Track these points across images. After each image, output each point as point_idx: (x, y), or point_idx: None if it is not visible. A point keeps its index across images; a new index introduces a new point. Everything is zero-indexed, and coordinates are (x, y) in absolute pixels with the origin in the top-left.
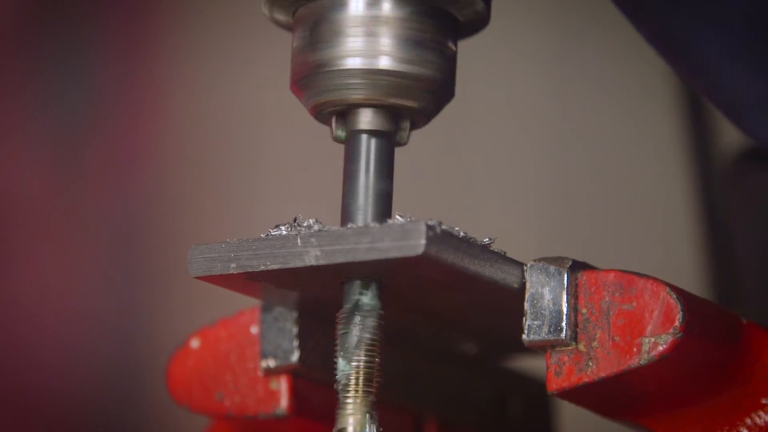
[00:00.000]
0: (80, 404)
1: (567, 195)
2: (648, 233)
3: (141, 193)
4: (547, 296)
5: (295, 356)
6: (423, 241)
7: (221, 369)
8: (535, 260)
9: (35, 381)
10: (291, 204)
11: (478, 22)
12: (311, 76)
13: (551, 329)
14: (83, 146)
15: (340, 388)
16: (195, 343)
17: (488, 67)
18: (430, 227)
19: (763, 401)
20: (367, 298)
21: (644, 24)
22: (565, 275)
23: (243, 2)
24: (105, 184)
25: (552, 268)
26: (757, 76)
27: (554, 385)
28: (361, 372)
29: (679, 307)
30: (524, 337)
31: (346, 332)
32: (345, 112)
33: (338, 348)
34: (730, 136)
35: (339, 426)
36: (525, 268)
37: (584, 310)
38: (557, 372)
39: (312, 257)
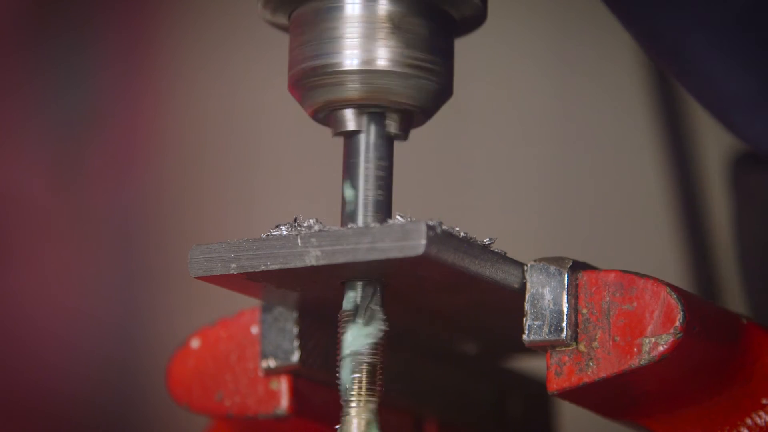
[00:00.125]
0: (80, 404)
1: (567, 195)
2: (648, 233)
3: (141, 193)
4: (547, 296)
5: (295, 356)
6: (423, 242)
7: (221, 369)
8: (535, 260)
9: (35, 381)
10: (291, 204)
11: (474, 20)
12: (308, 77)
13: (552, 329)
14: (83, 146)
15: (343, 391)
16: (195, 344)
17: (488, 67)
18: (430, 227)
19: (764, 401)
20: (368, 299)
21: (633, 23)
22: (566, 275)
23: (242, 3)
24: (105, 184)
25: (552, 268)
26: (745, 77)
27: (555, 385)
28: (364, 375)
29: (679, 307)
30: (525, 337)
31: (347, 333)
32: (343, 113)
33: (340, 351)
34: (729, 137)
35: (343, 430)
36: (525, 268)
37: (585, 311)
38: (558, 372)
39: (312, 257)
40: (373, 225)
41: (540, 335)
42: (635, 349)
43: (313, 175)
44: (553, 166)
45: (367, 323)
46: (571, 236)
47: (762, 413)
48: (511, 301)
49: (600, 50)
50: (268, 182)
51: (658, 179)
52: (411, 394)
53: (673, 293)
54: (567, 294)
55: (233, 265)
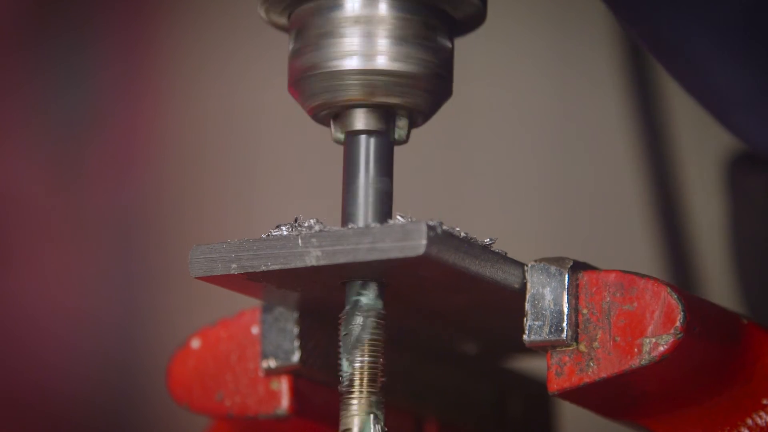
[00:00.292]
0: (80, 404)
1: (567, 195)
2: (648, 233)
3: (141, 193)
4: (548, 296)
5: (295, 356)
6: (424, 242)
7: (222, 369)
8: (536, 260)
9: (35, 381)
10: (291, 204)
11: (474, 20)
12: (308, 77)
13: (552, 329)
14: (83, 146)
15: (343, 389)
16: (195, 344)
17: (488, 67)
18: (431, 227)
19: (764, 401)
20: (368, 299)
21: (634, 24)
22: (566, 275)
23: (242, 3)
24: (105, 184)
25: (553, 268)
26: (746, 76)
27: (555, 385)
28: (365, 372)
29: (680, 307)
30: (525, 337)
31: (348, 333)
32: (343, 113)
33: (341, 349)
34: (729, 138)
35: (343, 427)
36: (526, 268)
37: (585, 311)
38: (558, 372)
39: (313, 257)
40: (373, 225)
41: (540, 335)
42: (636, 350)
43: (313, 175)
44: (553, 166)
45: (365, 321)
46: (571, 236)
47: (762, 413)
48: (511, 301)
49: (600, 50)
50: (268, 182)
51: (659, 179)
52: (411, 394)
53: (673, 293)
54: (567, 294)
55: (234, 266)
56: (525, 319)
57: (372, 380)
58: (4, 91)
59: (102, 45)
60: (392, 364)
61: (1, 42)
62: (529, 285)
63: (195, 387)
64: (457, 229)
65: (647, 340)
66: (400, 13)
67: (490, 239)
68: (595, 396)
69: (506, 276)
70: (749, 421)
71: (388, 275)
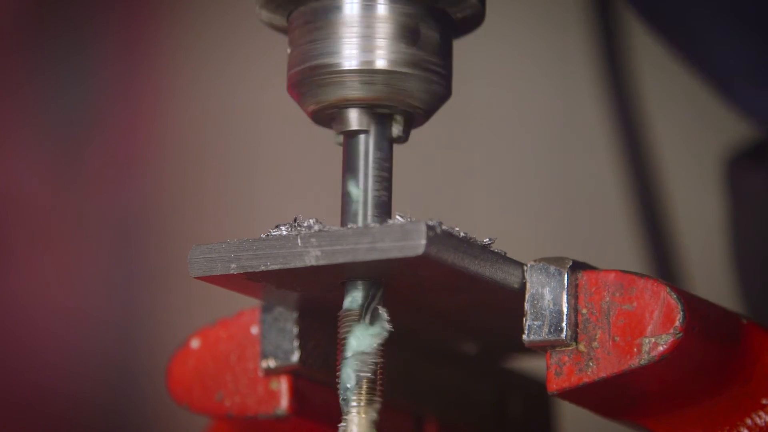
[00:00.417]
0: (80, 404)
1: (567, 195)
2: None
3: (141, 193)
4: (547, 296)
5: (295, 356)
6: (423, 242)
7: (221, 369)
8: (535, 260)
9: (35, 381)
10: (291, 204)
11: (473, 20)
12: (307, 78)
13: (551, 329)
14: (83, 146)
15: (343, 392)
16: (195, 344)
17: (489, 66)
18: (430, 227)
19: (764, 401)
20: (371, 299)
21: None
22: (566, 275)
23: (242, 3)
24: (105, 184)
25: (552, 268)
26: (747, 45)
27: (554, 385)
28: (365, 377)
29: (679, 307)
30: (524, 337)
31: (347, 335)
32: (342, 114)
33: (342, 352)
34: (729, 136)
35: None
36: (525, 268)
37: (584, 311)
38: (557, 372)
39: (312, 257)
40: (372, 225)
41: (540, 335)
42: (635, 349)
43: (313, 175)
44: (553, 166)
45: (371, 323)
46: (571, 236)
47: (762, 413)
48: (511, 301)
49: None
50: (268, 182)
51: (659, 179)
52: (411, 394)
53: (672, 293)
54: (567, 294)
55: (233, 265)
56: (524, 319)
57: (372, 385)
58: (4, 91)
59: (102, 45)
60: (392, 364)
61: (1, 42)
62: (528, 285)
63: (195, 387)
64: (457, 228)
65: (647, 340)
66: (399, 14)
67: (490, 239)
68: (594, 396)
69: (506, 276)
70: (749, 421)
71: (388, 275)
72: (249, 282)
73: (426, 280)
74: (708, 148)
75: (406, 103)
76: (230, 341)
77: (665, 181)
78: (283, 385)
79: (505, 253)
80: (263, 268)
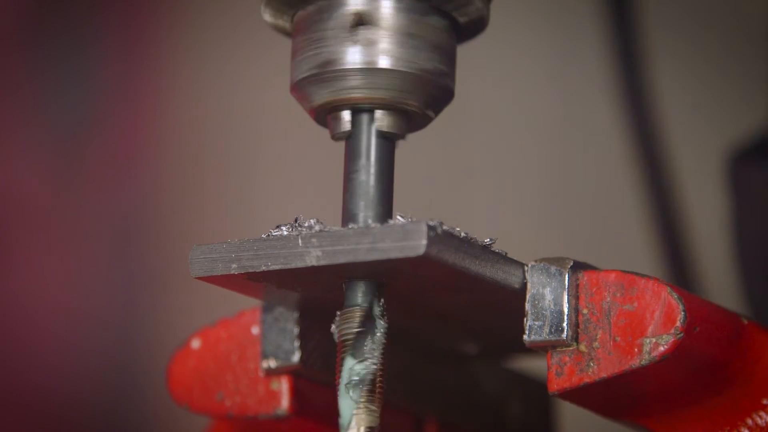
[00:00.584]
0: (80, 404)
1: (567, 195)
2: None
3: (141, 193)
4: (548, 297)
5: (296, 357)
6: (424, 242)
7: (222, 369)
8: (536, 260)
9: (35, 381)
10: (291, 204)
11: (477, 25)
12: (310, 78)
13: (552, 330)
14: (83, 146)
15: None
16: (196, 344)
17: (489, 67)
18: (431, 228)
19: (764, 401)
20: (369, 299)
21: None
22: (566, 275)
23: (242, 3)
24: (105, 184)
25: (553, 268)
26: None
27: (555, 385)
28: (367, 377)
29: (680, 307)
30: (525, 337)
31: (347, 335)
32: (344, 113)
33: (341, 352)
34: (730, 134)
35: None
36: (526, 268)
37: (585, 311)
38: (558, 372)
39: (313, 258)
40: (373, 225)
41: (540, 335)
42: (636, 350)
43: (313, 175)
44: (553, 166)
45: (363, 359)
46: (571, 236)
47: (762, 413)
48: (511, 302)
49: (600, 50)
50: (268, 182)
51: (658, 178)
52: (411, 394)
53: (673, 293)
54: (568, 294)
55: (234, 266)
56: (525, 319)
57: (372, 384)
58: (4, 91)
59: (102, 45)
60: (393, 364)
61: (1, 42)
62: (529, 285)
63: (195, 387)
64: (457, 229)
65: (647, 340)
66: (402, 14)
67: (490, 239)
68: (595, 396)
69: (506, 276)
70: (749, 421)
71: (388, 275)
72: (250, 282)
73: (427, 281)
74: (712, 145)
75: (409, 104)
76: (231, 341)
77: (671, 180)
78: (283, 386)
79: (506, 253)
80: (264, 268)
